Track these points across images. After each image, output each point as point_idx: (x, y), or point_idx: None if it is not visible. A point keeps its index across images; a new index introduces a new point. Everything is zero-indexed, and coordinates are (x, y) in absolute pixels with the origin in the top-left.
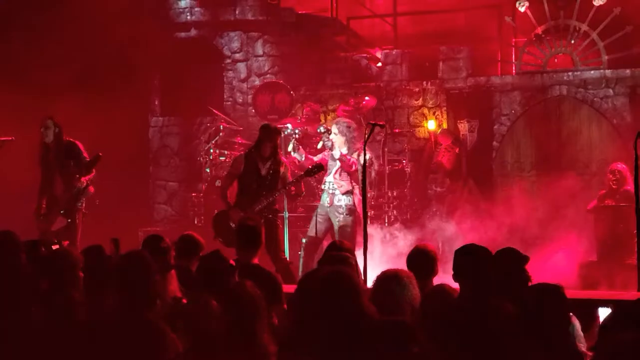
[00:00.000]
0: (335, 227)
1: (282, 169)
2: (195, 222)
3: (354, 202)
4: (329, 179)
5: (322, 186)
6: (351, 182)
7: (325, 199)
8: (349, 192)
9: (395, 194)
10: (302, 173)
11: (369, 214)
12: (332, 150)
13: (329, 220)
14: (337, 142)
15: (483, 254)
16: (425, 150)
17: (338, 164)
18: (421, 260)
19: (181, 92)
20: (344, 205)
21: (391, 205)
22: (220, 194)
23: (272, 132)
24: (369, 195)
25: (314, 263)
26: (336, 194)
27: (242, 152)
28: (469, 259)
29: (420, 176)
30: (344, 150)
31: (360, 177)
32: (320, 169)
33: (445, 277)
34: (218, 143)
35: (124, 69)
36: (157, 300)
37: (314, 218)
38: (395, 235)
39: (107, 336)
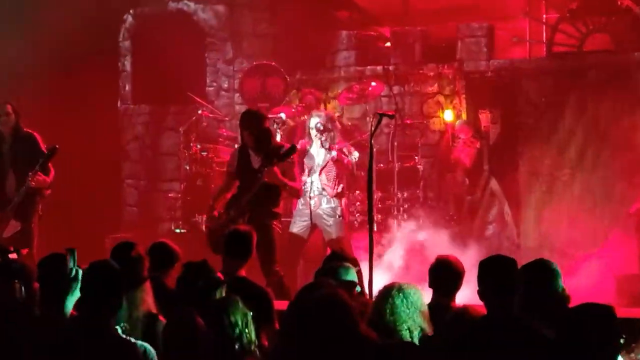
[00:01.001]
0: (329, 234)
1: (291, 155)
2: (173, 227)
3: (342, 205)
4: (312, 178)
5: (304, 187)
6: (339, 183)
7: (306, 203)
8: (337, 196)
9: (405, 195)
10: (273, 158)
11: (375, 218)
12: (327, 149)
13: (313, 226)
14: (319, 137)
15: (511, 267)
16: (441, 144)
17: (321, 162)
18: (445, 274)
19: (156, 76)
20: (335, 209)
21: (401, 208)
22: (213, 195)
23: (248, 118)
24: (356, 196)
25: (297, 264)
26: (324, 196)
27: (235, 146)
28: (495, 272)
29: (435, 175)
30: (333, 151)
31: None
32: (293, 150)
33: (465, 294)
34: (200, 135)
35: (90, 49)
36: (128, 316)
37: (294, 220)
38: (406, 243)
39: (68, 356)
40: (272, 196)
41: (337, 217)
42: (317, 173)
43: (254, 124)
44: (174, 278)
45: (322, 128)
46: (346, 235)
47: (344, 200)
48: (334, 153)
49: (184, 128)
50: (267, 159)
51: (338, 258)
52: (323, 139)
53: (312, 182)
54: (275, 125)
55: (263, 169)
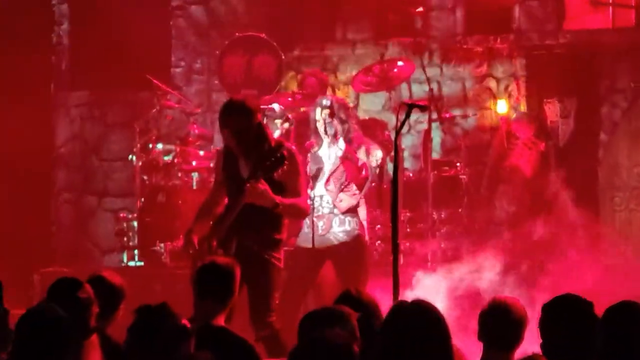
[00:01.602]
0: (343, 268)
1: (279, 166)
2: (125, 259)
3: (360, 227)
4: (321, 191)
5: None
6: (354, 194)
7: (312, 225)
8: (351, 212)
9: (443, 216)
10: (258, 170)
11: (400, 246)
12: (334, 143)
13: (320, 257)
14: (331, 132)
15: (588, 312)
16: (493, 146)
17: (330, 166)
18: (500, 323)
19: (102, 52)
20: (351, 233)
21: (437, 233)
22: (197, 211)
23: (229, 112)
24: (376, 216)
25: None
26: (335, 216)
27: (217, 147)
28: (566, 318)
29: (483, 188)
30: (341, 146)
31: (366, 186)
32: (281, 161)
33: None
34: (162, 134)
35: (16, 19)
36: None
37: (296, 249)
38: (445, 282)
39: None
40: (271, 216)
41: (350, 244)
42: (324, 182)
43: (237, 120)
44: (120, 327)
45: (331, 119)
46: (367, 268)
47: (363, 214)
48: (340, 145)
49: (140, 124)
50: (254, 170)
51: (351, 301)
52: (333, 132)
53: (321, 196)
54: (265, 120)
55: (247, 184)
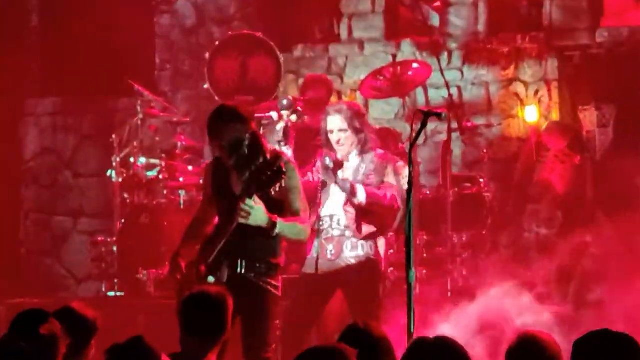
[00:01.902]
0: (355, 300)
1: (276, 181)
2: (103, 288)
3: (376, 253)
4: (330, 210)
5: (315, 225)
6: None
7: (321, 250)
8: (369, 237)
9: (465, 239)
10: (253, 185)
11: (416, 274)
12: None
13: (329, 287)
14: (346, 145)
15: (631, 349)
16: (521, 160)
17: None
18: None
19: (78, 55)
20: (366, 260)
21: (458, 259)
22: (184, 232)
23: (219, 121)
24: (388, 240)
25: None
26: (347, 239)
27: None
28: (603, 357)
29: (510, 207)
30: (355, 160)
31: (398, 219)
32: (278, 175)
33: None
34: (145, 146)
35: None
36: None
37: (302, 277)
38: (468, 312)
39: None
40: (267, 238)
41: (368, 268)
42: (343, 200)
43: (229, 130)
44: None
45: (347, 130)
46: (380, 299)
47: (381, 243)
48: (361, 196)
49: (120, 134)
50: (247, 186)
51: (359, 336)
52: (349, 144)
53: (331, 216)
54: (261, 130)
55: (240, 201)
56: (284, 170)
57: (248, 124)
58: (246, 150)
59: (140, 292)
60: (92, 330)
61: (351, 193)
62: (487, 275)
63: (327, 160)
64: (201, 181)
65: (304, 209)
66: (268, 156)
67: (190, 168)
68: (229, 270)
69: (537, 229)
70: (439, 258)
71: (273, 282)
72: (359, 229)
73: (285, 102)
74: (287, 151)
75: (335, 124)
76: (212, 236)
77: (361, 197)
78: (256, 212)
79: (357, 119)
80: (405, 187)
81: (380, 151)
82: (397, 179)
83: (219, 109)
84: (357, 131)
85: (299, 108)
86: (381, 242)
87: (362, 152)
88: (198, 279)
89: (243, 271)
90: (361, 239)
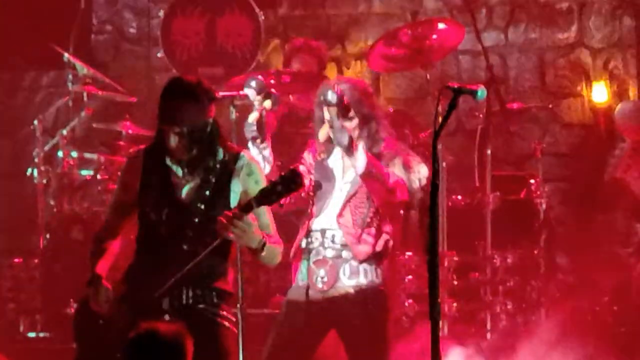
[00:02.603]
0: (353, 344)
1: (239, 181)
2: (21, 327)
3: (381, 280)
4: (322, 223)
5: (303, 242)
6: (381, 229)
7: (308, 275)
8: (373, 259)
9: (510, 260)
10: (264, 196)
11: (443, 308)
12: (349, 154)
13: (321, 327)
14: (343, 141)
15: None
16: (587, 152)
17: (349, 188)
18: None
19: None
20: (369, 290)
21: (500, 287)
22: (91, 249)
23: (173, 98)
24: (405, 261)
25: None
26: (346, 262)
27: (135, 151)
28: None
29: (570, 217)
30: (361, 153)
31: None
32: (294, 179)
33: None
34: (78, 136)
35: None
36: None
37: (285, 310)
38: None
39: None
40: (217, 260)
41: (372, 302)
42: (337, 210)
43: (188, 112)
44: None
45: (342, 121)
46: (388, 344)
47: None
48: (360, 158)
49: (43, 120)
50: (262, 194)
51: None
52: (346, 140)
53: (322, 231)
54: (233, 114)
55: (205, 200)
56: (297, 177)
57: (211, 107)
58: (206, 142)
59: (70, 332)
60: None
61: (348, 149)
62: (542, 311)
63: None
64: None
65: (273, 225)
66: (229, 151)
67: None
68: (172, 301)
69: (609, 245)
70: (475, 286)
71: (227, 315)
72: (364, 245)
73: (253, 83)
74: (264, 150)
75: (335, 110)
76: (144, 257)
77: (360, 160)
78: (250, 229)
79: (364, 102)
80: (415, 184)
81: (393, 139)
82: (407, 175)
83: (174, 82)
84: (365, 119)
85: (272, 90)
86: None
87: (372, 146)
88: (132, 310)
89: (190, 301)
90: (365, 262)
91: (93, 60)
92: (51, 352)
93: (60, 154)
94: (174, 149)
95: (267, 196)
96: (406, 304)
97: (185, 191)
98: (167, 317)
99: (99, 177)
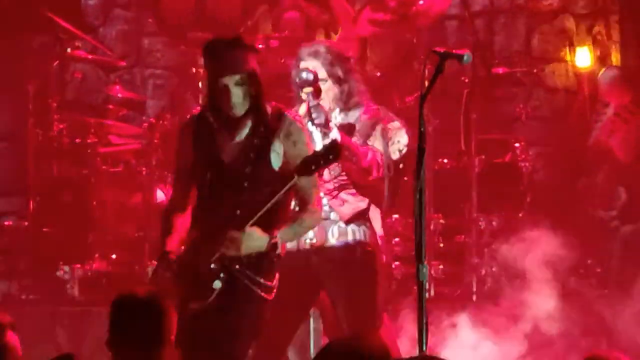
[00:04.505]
0: (341, 301)
1: (280, 141)
2: (12, 290)
3: (369, 240)
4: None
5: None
6: (362, 196)
7: (298, 239)
8: (359, 218)
9: (495, 223)
10: (310, 162)
11: (430, 270)
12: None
13: (313, 286)
14: (325, 100)
15: None
16: (570, 118)
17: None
18: None
19: None
20: (351, 242)
21: (486, 249)
22: (162, 221)
23: (229, 46)
24: (393, 223)
25: None
26: (333, 223)
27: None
28: None
29: (556, 181)
30: (338, 119)
31: (387, 185)
32: (334, 149)
33: None
34: (68, 100)
35: None
36: None
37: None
38: (499, 323)
39: None
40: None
41: (360, 258)
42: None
43: (246, 61)
44: None
45: (317, 102)
46: (379, 300)
47: (377, 225)
48: (353, 121)
49: (34, 85)
50: (304, 163)
51: (347, 353)
52: (322, 120)
53: None
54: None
55: (250, 161)
56: (337, 147)
57: (234, 49)
58: (259, 95)
59: (60, 295)
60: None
61: (324, 126)
62: (526, 273)
63: (305, 75)
64: (176, 147)
65: (314, 188)
66: (270, 111)
67: (128, 128)
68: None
69: (592, 209)
70: (461, 249)
71: (260, 282)
72: (347, 207)
73: (304, 75)
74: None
75: (310, 89)
76: (205, 221)
77: (334, 138)
78: (248, 238)
79: (339, 65)
80: (395, 156)
81: (372, 106)
82: (384, 144)
83: (220, 38)
84: (339, 81)
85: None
86: (377, 224)
87: (346, 108)
88: (199, 283)
89: (236, 271)
90: (348, 222)
91: (82, 24)
92: (40, 314)
93: (50, 117)
94: (232, 102)
95: (307, 166)
96: (393, 266)
97: (226, 153)
98: (217, 284)
99: (88, 141)
